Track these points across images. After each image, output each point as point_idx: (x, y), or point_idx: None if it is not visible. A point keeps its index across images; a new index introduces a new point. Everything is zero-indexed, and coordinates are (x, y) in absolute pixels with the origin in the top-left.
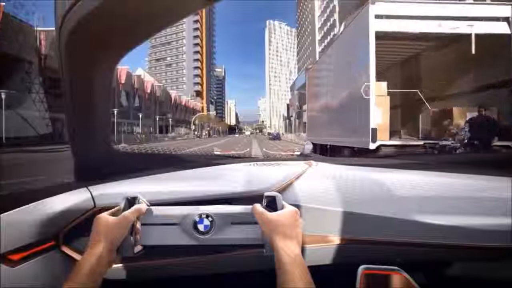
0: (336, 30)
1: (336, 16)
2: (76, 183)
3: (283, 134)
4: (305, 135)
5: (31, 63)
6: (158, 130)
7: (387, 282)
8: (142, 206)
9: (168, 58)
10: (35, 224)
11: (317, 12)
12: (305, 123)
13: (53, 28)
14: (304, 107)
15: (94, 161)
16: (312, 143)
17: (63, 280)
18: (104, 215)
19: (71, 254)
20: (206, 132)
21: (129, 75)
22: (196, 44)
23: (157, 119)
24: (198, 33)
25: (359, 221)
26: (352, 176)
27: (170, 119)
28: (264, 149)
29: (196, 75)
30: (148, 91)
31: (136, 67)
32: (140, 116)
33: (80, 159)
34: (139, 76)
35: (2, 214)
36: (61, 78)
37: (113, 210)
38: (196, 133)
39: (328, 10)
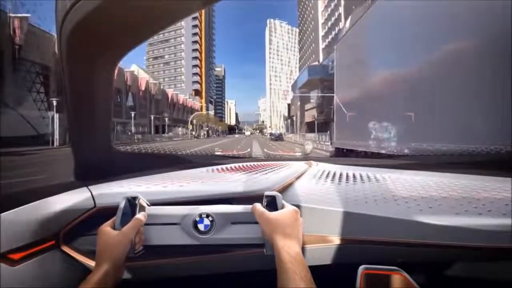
0: (341, 25)
1: (341, 9)
2: (76, 183)
3: (284, 134)
4: (313, 137)
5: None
6: (153, 129)
7: (387, 282)
8: (141, 216)
9: (166, 56)
10: (35, 223)
11: (321, 7)
12: (308, 123)
13: (29, 15)
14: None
15: (94, 161)
16: (342, 149)
17: (63, 280)
18: (108, 229)
19: (71, 253)
20: (205, 132)
21: (121, 71)
22: (195, 42)
23: (152, 118)
24: (197, 30)
25: (359, 221)
26: (352, 176)
27: (166, 119)
28: (265, 150)
29: (195, 74)
30: (143, 88)
31: (133, 64)
32: (133, 114)
33: (80, 158)
34: (132, 73)
35: (2, 214)
36: (61, 77)
37: (114, 218)
38: (193, 133)
39: (332, 4)
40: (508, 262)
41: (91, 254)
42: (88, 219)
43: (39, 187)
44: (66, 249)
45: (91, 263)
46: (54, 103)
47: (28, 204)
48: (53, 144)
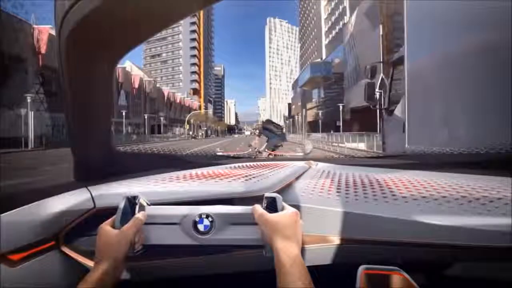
0: (346, 19)
1: (346, 3)
2: (76, 183)
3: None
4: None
5: None
6: (147, 129)
7: (387, 282)
8: (141, 216)
9: (164, 55)
10: (35, 224)
11: (323, 1)
12: (309, 122)
13: None
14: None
15: (94, 161)
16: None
17: (63, 280)
18: (108, 228)
19: (71, 254)
20: (203, 132)
21: None
22: (193, 40)
23: (146, 117)
24: (195, 27)
25: (359, 221)
26: (352, 176)
27: (162, 118)
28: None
29: (193, 72)
30: (136, 86)
31: (127, 60)
32: (124, 113)
33: (80, 159)
34: (124, 69)
35: (2, 214)
36: (61, 78)
37: (114, 217)
38: (191, 133)
39: None
40: (508, 262)
41: (91, 255)
42: (88, 219)
43: (38, 187)
44: (66, 249)
45: (91, 263)
46: (28, 99)
47: (28, 205)
48: (27, 146)
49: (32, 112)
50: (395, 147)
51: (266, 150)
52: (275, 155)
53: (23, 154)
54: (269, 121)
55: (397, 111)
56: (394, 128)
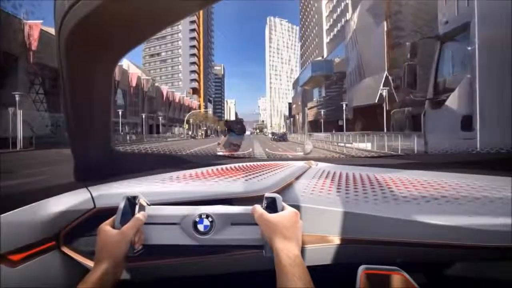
0: (348, 16)
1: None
2: (76, 183)
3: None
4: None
5: None
6: (145, 129)
7: (387, 282)
8: (141, 216)
9: (163, 54)
10: (35, 224)
11: None
12: (310, 122)
13: None
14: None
15: (94, 161)
16: None
17: (63, 281)
18: (108, 228)
19: (71, 254)
20: (202, 132)
21: None
22: (193, 38)
23: (144, 116)
24: (195, 27)
25: (359, 221)
26: (352, 176)
27: (160, 117)
28: (266, 149)
29: (193, 71)
30: (134, 84)
31: (130, 60)
32: (120, 112)
33: (80, 159)
34: (120, 67)
35: (2, 214)
36: (60, 78)
37: (114, 217)
38: (190, 133)
39: None
40: (508, 262)
41: (91, 255)
42: (88, 220)
43: (38, 187)
44: (66, 250)
45: (91, 264)
46: (17, 97)
47: (29, 205)
48: (14, 146)
49: (21, 111)
50: (447, 148)
51: (223, 148)
52: (231, 154)
53: (11, 155)
54: (237, 121)
55: (451, 101)
56: (445, 124)
